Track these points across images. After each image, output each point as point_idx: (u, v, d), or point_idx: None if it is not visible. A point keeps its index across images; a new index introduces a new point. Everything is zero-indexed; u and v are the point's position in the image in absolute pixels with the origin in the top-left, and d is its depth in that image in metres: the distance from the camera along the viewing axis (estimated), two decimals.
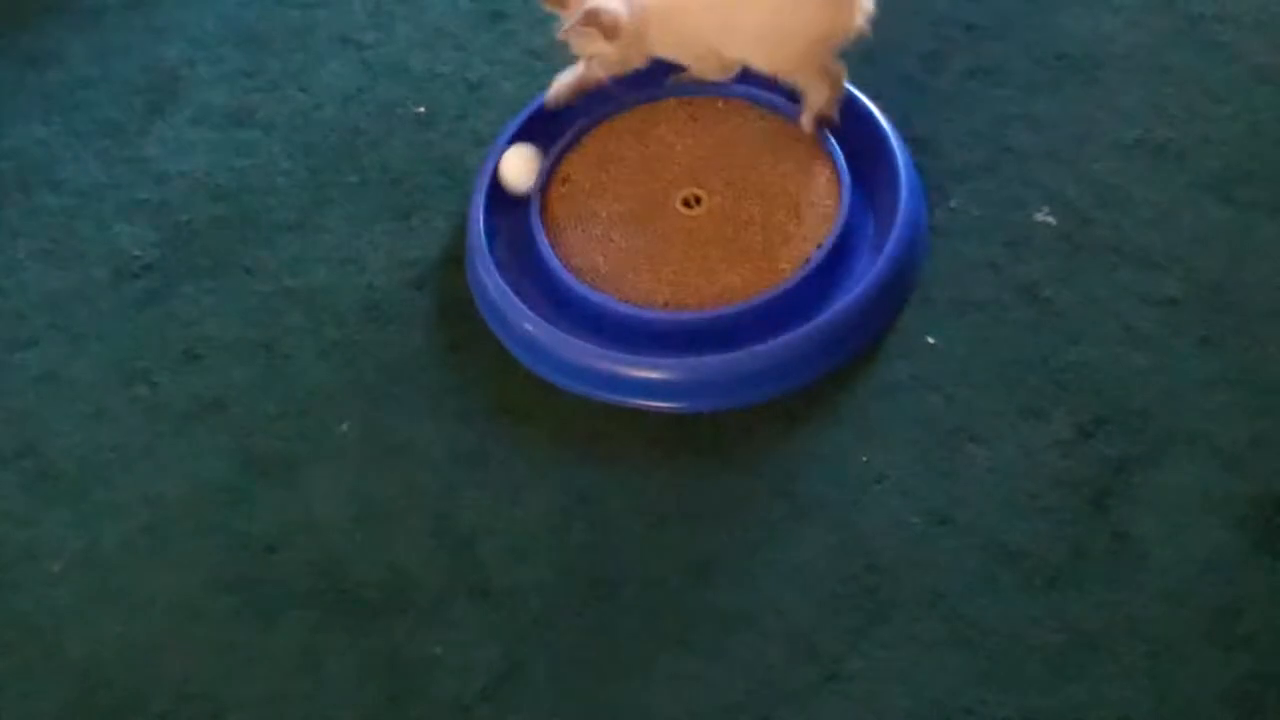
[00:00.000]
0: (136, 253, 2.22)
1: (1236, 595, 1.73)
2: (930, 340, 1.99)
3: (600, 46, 2.03)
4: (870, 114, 2.16)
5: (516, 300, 2.02)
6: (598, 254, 2.08)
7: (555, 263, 2.06)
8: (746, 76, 2.17)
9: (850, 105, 2.17)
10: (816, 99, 2.09)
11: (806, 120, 2.12)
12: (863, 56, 2.29)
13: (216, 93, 2.42)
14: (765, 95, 2.13)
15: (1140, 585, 1.75)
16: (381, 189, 2.26)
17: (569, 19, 2.00)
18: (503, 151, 2.15)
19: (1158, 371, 1.92)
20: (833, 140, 2.13)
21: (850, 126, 2.16)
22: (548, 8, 2.03)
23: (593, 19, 1.98)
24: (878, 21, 2.35)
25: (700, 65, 2.16)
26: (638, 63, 2.10)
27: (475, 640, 1.79)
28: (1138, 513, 1.80)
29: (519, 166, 2.13)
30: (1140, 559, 1.77)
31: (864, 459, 1.89)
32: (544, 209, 2.12)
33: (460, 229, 2.16)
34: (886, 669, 1.72)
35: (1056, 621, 1.73)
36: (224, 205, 2.26)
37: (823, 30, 2.03)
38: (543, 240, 2.09)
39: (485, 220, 2.10)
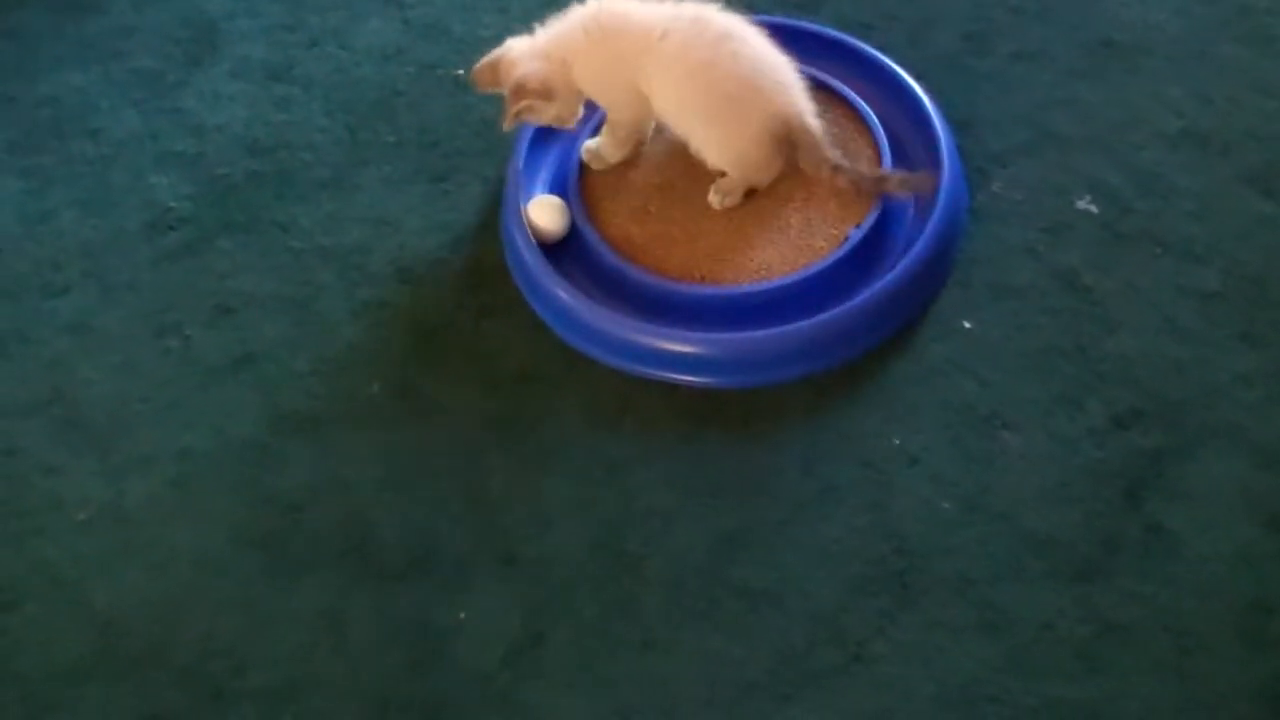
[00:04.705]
0: (171, 204, 2.21)
1: (1267, 593, 1.72)
2: (967, 324, 1.98)
3: (547, 111, 2.03)
4: (913, 93, 2.15)
5: (550, 268, 2.01)
6: (633, 225, 2.07)
7: (591, 232, 2.05)
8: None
9: (893, 84, 2.17)
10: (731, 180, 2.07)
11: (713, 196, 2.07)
12: (907, 36, 2.29)
13: (256, 46, 2.41)
14: (809, 70, 2.10)
15: (1170, 579, 1.74)
16: (418, 151, 2.24)
17: (507, 91, 2.00)
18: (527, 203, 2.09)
19: (1196, 364, 1.91)
20: (875, 118, 2.12)
21: (893, 105, 2.15)
22: (481, 91, 2.04)
23: (523, 91, 1.98)
24: (922, 2, 2.34)
25: (619, 110, 2.10)
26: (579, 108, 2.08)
27: (498, 608, 1.79)
28: (1170, 506, 1.80)
29: (548, 216, 2.07)
30: (1171, 552, 1.76)
31: (896, 441, 1.88)
32: (581, 178, 2.12)
33: (496, 194, 2.15)
34: (912, 653, 1.71)
35: (1085, 612, 1.72)
36: (260, 160, 2.25)
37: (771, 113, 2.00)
38: (579, 209, 2.08)
39: (522, 186, 2.09)
